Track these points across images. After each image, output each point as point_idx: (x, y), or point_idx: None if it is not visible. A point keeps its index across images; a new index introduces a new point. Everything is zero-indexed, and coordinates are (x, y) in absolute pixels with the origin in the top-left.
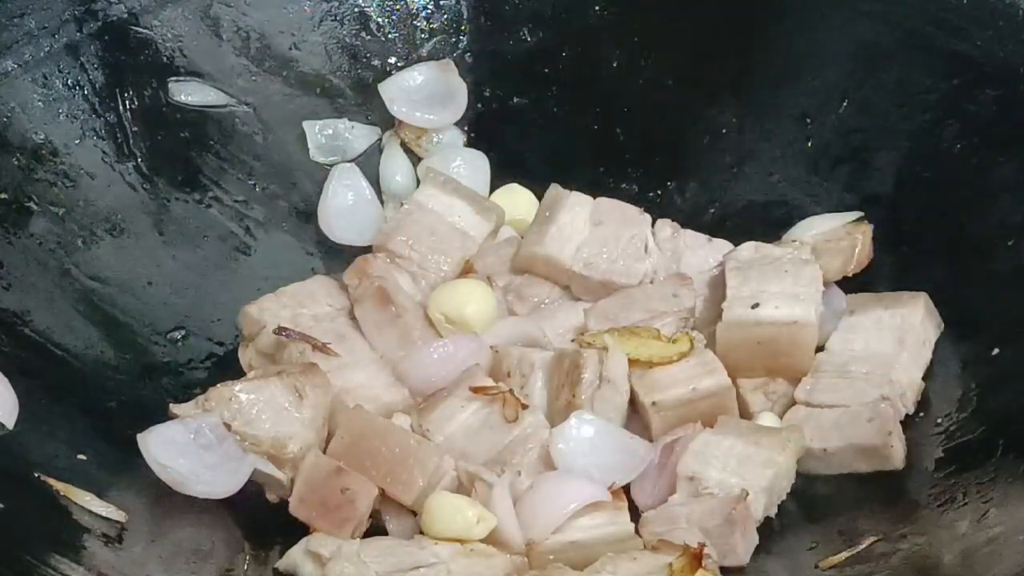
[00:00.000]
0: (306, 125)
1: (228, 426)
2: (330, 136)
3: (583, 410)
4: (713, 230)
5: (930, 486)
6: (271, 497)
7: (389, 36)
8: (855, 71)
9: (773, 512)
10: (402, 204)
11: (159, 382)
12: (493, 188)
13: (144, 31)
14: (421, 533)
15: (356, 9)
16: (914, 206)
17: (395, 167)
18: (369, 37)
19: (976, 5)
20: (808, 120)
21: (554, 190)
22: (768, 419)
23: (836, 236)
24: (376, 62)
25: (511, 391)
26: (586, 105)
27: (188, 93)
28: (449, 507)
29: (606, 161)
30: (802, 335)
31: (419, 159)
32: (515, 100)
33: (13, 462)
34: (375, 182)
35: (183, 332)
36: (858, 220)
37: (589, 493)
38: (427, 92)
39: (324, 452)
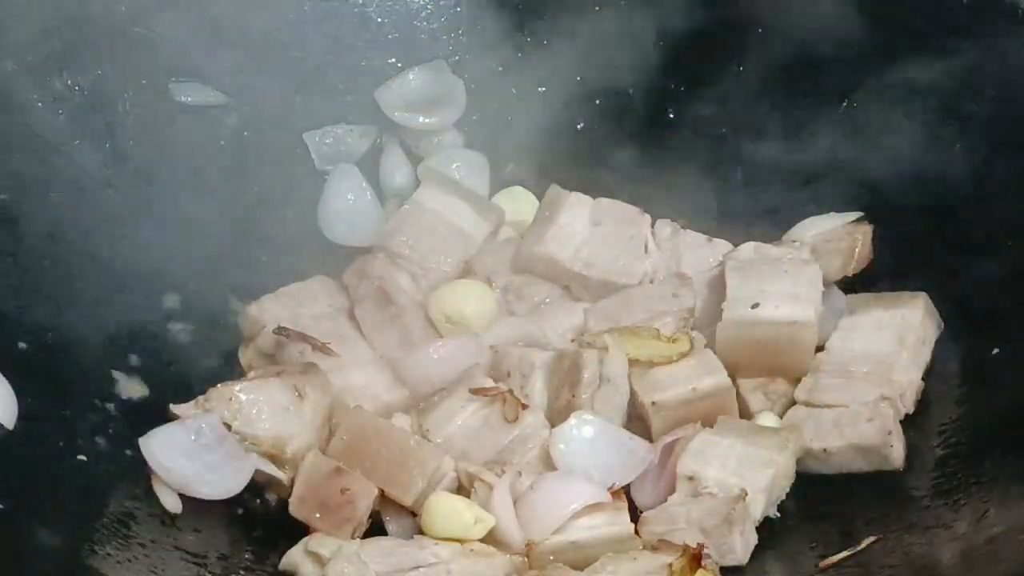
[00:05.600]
0: (306, 137)
1: (228, 426)
2: (331, 144)
3: (583, 410)
4: (713, 230)
5: (930, 486)
6: (271, 498)
7: (389, 36)
8: (855, 71)
9: (773, 512)
10: (402, 204)
11: (159, 382)
12: (492, 188)
13: (144, 31)
14: (421, 533)
15: (356, 9)
16: (914, 206)
17: (395, 167)
18: (369, 37)
19: (976, 5)
20: (808, 120)
21: (554, 190)
22: (768, 419)
23: (836, 236)
24: (376, 62)
25: (511, 391)
26: (586, 105)
27: (188, 93)
28: (447, 508)
29: (606, 161)
30: (802, 335)
31: (419, 159)
32: (515, 100)
33: (13, 462)
34: (375, 182)
35: (183, 331)
36: (858, 220)
37: (589, 493)
38: (425, 95)
39: (324, 452)
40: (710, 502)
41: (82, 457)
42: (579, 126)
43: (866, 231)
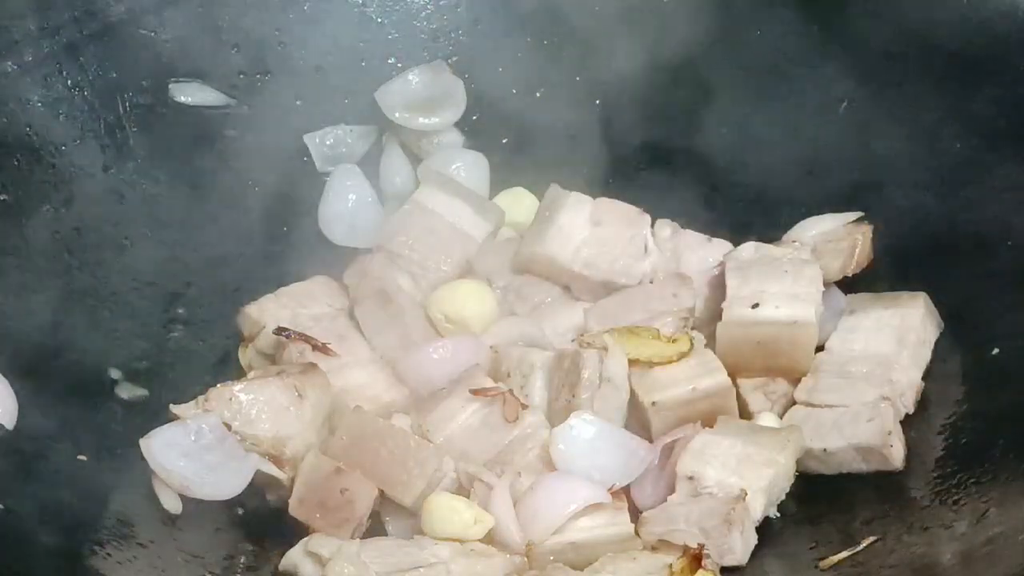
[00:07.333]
0: (307, 138)
1: (228, 426)
2: (331, 145)
3: (583, 410)
4: (713, 230)
5: (930, 486)
6: (271, 498)
7: (389, 36)
8: (855, 71)
9: (773, 512)
10: (402, 205)
11: (159, 382)
12: (492, 189)
13: (144, 31)
14: (421, 533)
15: (356, 9)
16: (914, 206)
17: (395, 168)
18: (369, 37)
19: (976, 5)
20: (808, 120)
21: (554, 190)
22: (768, 419)
23: (836, 236)
24: (376, 62)
25: (511, 391)
26: (586, 105)
27: (188, 94)
28: (446, 508)
29: (606, 161)
30: (802, 335)
31: (419, 160)
32: (515, 101)
33: (13, 462)
34: (375, 183)
35: (183, 332)
36: (858, 220)
37: (589, 494)
38: (425, 95)
39: (324, 452)
40: (710, 502)
41: (82, 457)
42: (579, 126)
43: (866, 231)
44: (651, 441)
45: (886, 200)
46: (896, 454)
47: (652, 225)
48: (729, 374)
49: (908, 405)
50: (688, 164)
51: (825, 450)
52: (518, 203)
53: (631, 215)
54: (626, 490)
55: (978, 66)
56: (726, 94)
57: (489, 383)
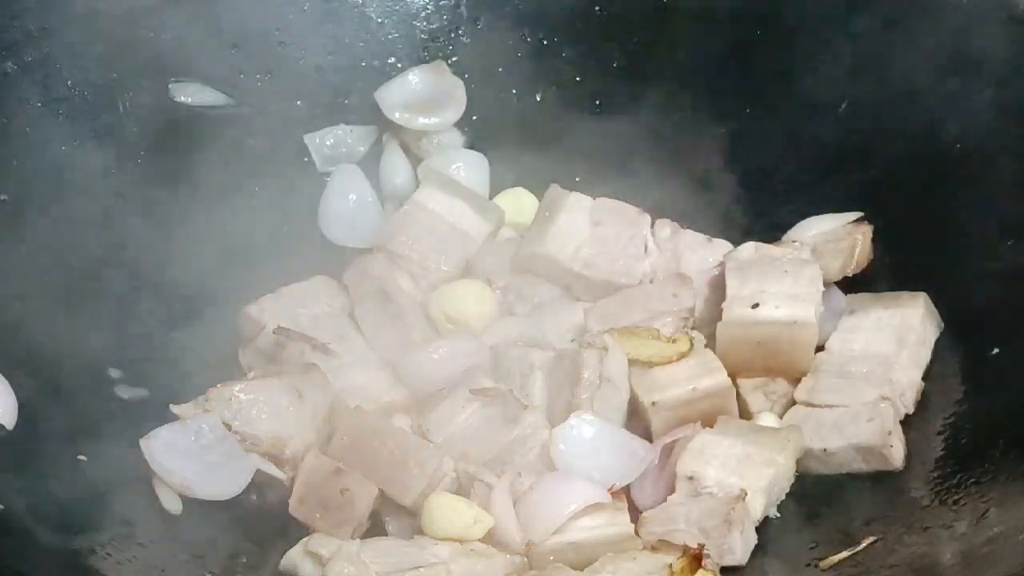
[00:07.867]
0: (307, 139)
1: (228, 426)
2: (332, 145)
3: (583, 410)
4: (713, 230)
5: (930, 486)
6: (271, 498)
7: (389, 36)
8: (855, 71)
9: (773, 512)
10: (402, 204)
11: (159, 382)
12: (492, 188)
13: (144, 31)
14: (421, 533)
15: (356, 9)
16: (914, 206)
17: (395, 168)
18: (369, 37)
19: (976, 4)
20: (808, 120)
21: (554, 190)
22: (768, 419)
23: (836, 236)
24: (376, 62)
25: (511, 391)
26: (586, 105)
27: (188, 94)
28: (447, 508)
29: (606, 161)
30: (802, 335)
31: (419, 160)
32: (515, 101)
33: (13, 462)
34: (375, 183)
35: (183, 332)
36: (858, 220)
37: (589, 494)
38: (425, 96)
39: (324, 452)
40: (710, 502)
41: (82, 457)
42: (579, 126)
43: (866, 231)
44: (651, 441)
45: (886, 200)
46: (896, 454)
47: (652, 225)
48: (729, 374)
49: (908, 405)
50: (688, 164)
51: (825, 450)
52: (518, 203)
53: (631, 215)
54: (626, 490)
55: (978, 66)
56: (725, 94)
57: (489, 383)
